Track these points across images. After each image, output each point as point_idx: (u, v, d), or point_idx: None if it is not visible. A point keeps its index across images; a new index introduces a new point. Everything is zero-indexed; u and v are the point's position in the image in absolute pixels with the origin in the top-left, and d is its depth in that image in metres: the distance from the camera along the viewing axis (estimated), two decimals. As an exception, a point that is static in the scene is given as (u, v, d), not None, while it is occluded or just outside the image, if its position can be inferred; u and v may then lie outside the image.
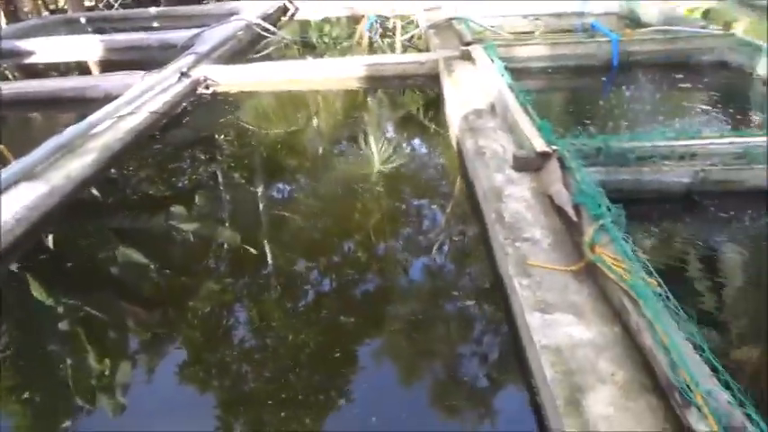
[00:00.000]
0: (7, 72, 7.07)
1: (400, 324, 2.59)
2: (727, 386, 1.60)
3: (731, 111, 4.38)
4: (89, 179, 3.76)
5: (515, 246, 2.49)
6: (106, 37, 7.27)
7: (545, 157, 3.06)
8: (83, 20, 9.07)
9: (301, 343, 2.53)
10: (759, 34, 6.29)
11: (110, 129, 4.25)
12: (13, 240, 3.06)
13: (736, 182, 3.02)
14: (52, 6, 12.02)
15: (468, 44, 5.45)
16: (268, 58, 6.75)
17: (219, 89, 5.47)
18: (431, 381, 2.33)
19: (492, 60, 4.74)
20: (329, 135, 4.80)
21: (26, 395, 2.35)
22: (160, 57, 6.24)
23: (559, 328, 2.01)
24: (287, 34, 8.03)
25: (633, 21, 6.85)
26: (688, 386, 1.61)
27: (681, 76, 5.06)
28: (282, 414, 2.17)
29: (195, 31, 6.95)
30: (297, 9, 9.18)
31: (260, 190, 3.94)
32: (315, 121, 5.08)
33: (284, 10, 9.04)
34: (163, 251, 3.36)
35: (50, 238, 3.41)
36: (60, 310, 2.88)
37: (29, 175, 3.48)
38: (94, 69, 7.00)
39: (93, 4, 11.93)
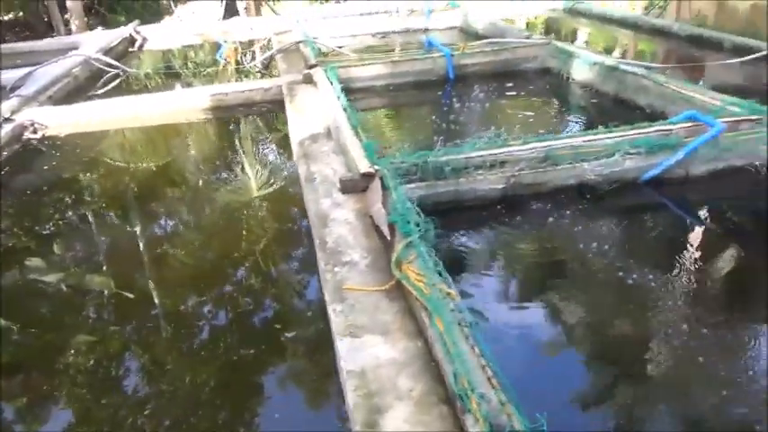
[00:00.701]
0: None
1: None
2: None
3: (551, 112, 4.78)
4: None
5: (334, 271, 2.53)
6: None
7: (369, 177, 3.16)
8: None
9: (200, 381, 2.44)
10: (601, 41, 6.93)
11: None
12: None
13: (542, 183, 3.29)
14: None
15: (311, 67, 5.51)
16: (112, 94, 6.42)
17: (51, 133, 5.11)
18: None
19: (331, 83, 4.83)
20: (181, 170, 4.65)
21: None
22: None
23: (366, 351, 2.06)
24: (147, 65, 7.70)
25: (471, 34, 7.29)
26: (468, 393, 1.71)
27: (510, 83, 5.44)
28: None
29: (27, 69, 6.46)
30: (145, 39, 8.83)
31: (129, 230, 3.77)
32: (166, 156, 4.90)
33: (131, 41, 8.67)
34: (25, 309, 3.07)
35: None
36: None
37: None
38: None
39: None
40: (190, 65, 8.02)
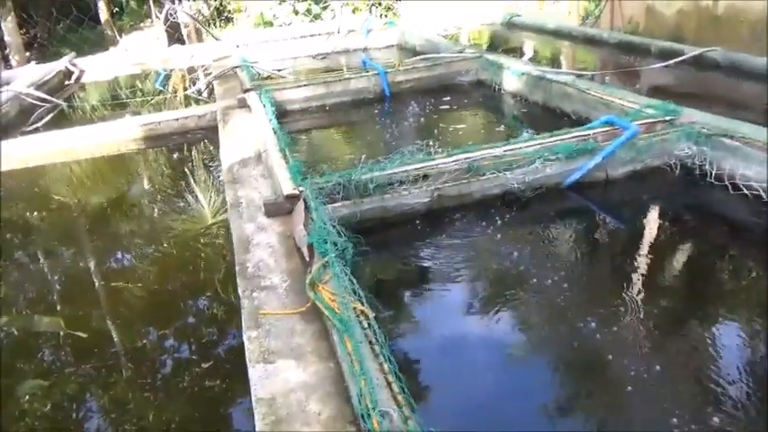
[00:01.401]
0: None
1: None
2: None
3: (484, 123, 4.87)
4: None
5: (252, 296, 2.49)
6: None
7: (294, 199, 3.13)
8: None
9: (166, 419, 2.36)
10: (539, 52, 7.08)
11: None
12: None
13: (467, 194, 3.32)
14: None
15: (246, 91, 5.48)
16: (50, 128, 6.24)
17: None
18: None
19: (264, 106, 4.81)
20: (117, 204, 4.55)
21: None
22: None
23: (279, 376, 2.02)
24: (93, 97, 7.52)
25: (409, 50, 7.40)
26: (369, 412, 1.69)
27: (445, 97, 5.52)
28: None
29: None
30: (82, 71, 8.66)
31: (80, 267, 3.65)
32: (108, 189, 4.79)
33: (67, 74, 8.48)
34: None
35: None
36: None
37: None
38: None
39: None
40: (138, 94, 7.91)
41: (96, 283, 3.48)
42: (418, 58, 6.06)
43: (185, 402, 2.49)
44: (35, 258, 3.83)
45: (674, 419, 1.97)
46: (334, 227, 2.72)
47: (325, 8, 11.46)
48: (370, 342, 2.02)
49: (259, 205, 3.31)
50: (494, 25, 9.57)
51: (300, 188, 3.15)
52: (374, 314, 2.23)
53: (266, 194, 3.41)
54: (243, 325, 2.33)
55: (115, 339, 2.97)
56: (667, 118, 3.62)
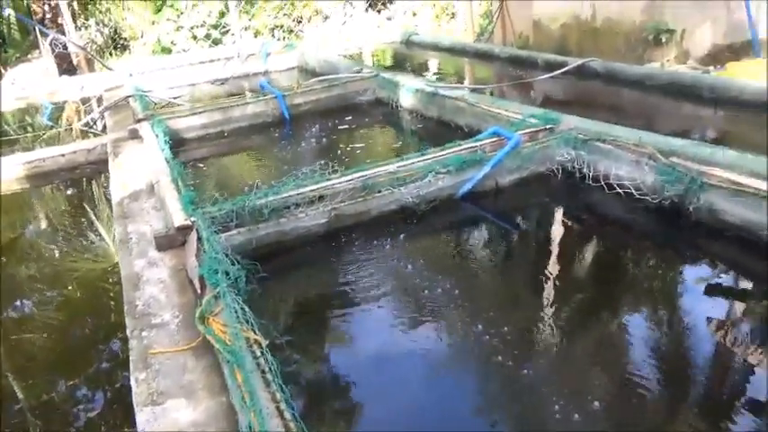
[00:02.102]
0: None
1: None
2: None
3: (383, 140, 4.95)
4: None
5: (142, 336, 2.37)
6: None
7: (186, 230, 3.04)
8: None
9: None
10: (436, 68, 7.27)
11: None
12: None
13: (364, 212, 3.36)
14: None
15: (138, 121, 5.28)
16: None
17: None
18: None
19: (157, 136, 4.65)
20: None
21: None
22: None
23: (167, 417, 1.94)
24: None
25: (309, 72, 7.43)
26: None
27: (344, 117, 5.58)
28: None
29: None
30: (-39, 108, 8.04)
31: None
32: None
33: (-59, 112, 7.84)
34: None
35: None
36: None
37: None
38: None
39: None
40: (28, 129, 7.41)
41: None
42: (316, 79, 6.09)
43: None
44: None
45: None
46: (227, 255, 2.66)
47: (225, 33, 11.32)
48: (263, 371, 1.99)
49: (150, 239, 3.18)
50: (394, 44, 9.81)
51: (192, 218, 3.06)
52: (268, 342, 2.20)
53: (157, 227, 3.29)
54: (131, 367, 2.22)
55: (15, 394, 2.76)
56: (548, 126, 3.84)
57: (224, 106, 5.48)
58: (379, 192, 3.38)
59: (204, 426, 1.89)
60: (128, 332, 2.45)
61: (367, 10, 12.63)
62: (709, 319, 2.50)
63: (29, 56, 12.36)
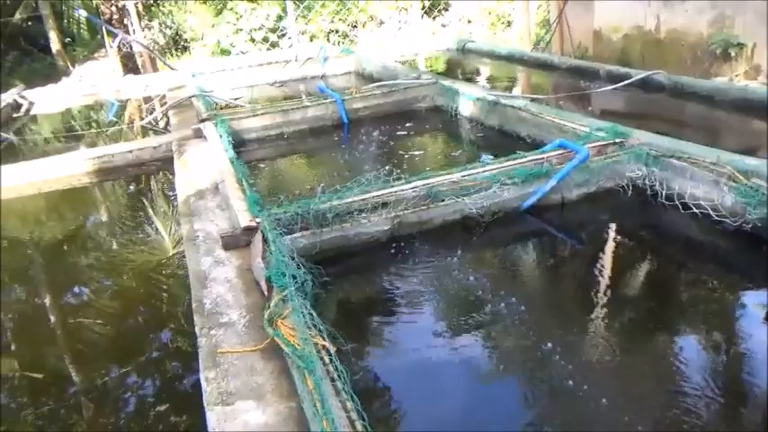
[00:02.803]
0: None
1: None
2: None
3: (443, 148, 4.92)
4: None
5: (210, 335, 2.41)
6: None
7: (251, 231, 3.08)
8: None
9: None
10: (493, 77, 7.21)
11: None
12: None
13: (427, 220, 3.33)
14: None
15: (202, 121, 5.41)
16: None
17: None
18: None
19: (220, 136, 4.75)
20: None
21: None
22: None
23: (238, 419, 1.95)
24: (45, 129, 7.27)
25: (366, 77, 7.46)
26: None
27: (402, 123, 5.57)
28: None
29: None
30: (32, 103, 8.42)
31: (37, 305, 3.51)
32: (69, 223, 4.62)
33: (15, 106, 8.23)
34: None
35: None
36: None
37: None
38: None
39: None
40: (92, 125, 7.72)
41: (53, 321, 3.33)
42: (375, 84, 6.11)
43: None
44: (7, 298, 3.65)
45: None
46: (293, 258, 2.68)
47: (282, 36, 11.51)
48: (332, 379, 1.98)
49: (216, 238, 3.24)
50: (448, 51, 9.76)
51: (258, 220, 3.10)
52: (335, 349, 2.19)
53: (223, 227, 3.34)
54: (200, 365, 2.25)
55: (73, 379, 2.85)
56: (617, 140, 3.73)
57: (285, 108, 5.55)
58: (443, 201, 3.34)
59: (275, 429, 1.89)
60: (196, 329, 2.48)
61: (422, 16, 12.61)
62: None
63: (95, 54, 12.86)
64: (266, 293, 2.53)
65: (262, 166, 4.99)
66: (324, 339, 2.18)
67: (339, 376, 1.97)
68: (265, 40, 11.53)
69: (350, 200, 3.23)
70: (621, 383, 2.29)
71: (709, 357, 2.41)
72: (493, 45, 9.78)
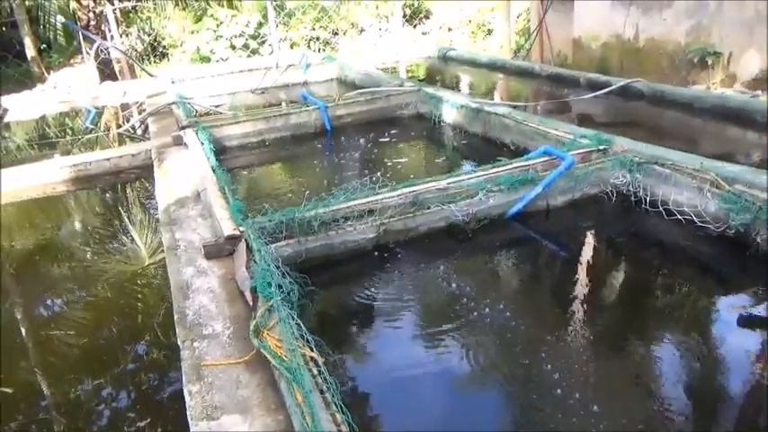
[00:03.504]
0: None
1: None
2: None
3: (426, 155, 4.90)
4: None
5: (193, 347, 2.34)
6: None
7: (234, 240, 3.02)
8: None
9: None
10: (474, 84, 7.22)
11: None
12: None
13: (413, 228, 3.30)
14: None
15: (182, 128, 5.32)
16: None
17: None
18: None
19: (201, 143, 4.68)
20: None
21: None
22: None
23: (223, 434, 1.90)
24: (18, 136, 7.09)
25: (348, 84, 7.43)
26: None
27: (386, 130, 5.55)
28: None
29: None
30: (5, 110, 8.23)
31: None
32: (40, 233, 4.47)
33: (-11, 113, 8.04)
34: None
35: None
36: None
37: None
38: None
39: None
40: (68, 133, 7.55)
41: (24, 334, 3.22)
42: (358, 91, 6.09)
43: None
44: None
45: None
46: (278, 268, 2.63)
47: (262, 44, 11.45)
48: (321, 391, 1.93)
49: (198, 247, 3.17)
50: (429, 59, 9.79)
51: (241, 228, 3.04)
52: (323, 359, 2.14)
53: (205, 236, 3.27)
54: (183, 379, 2.18)
55: (45, 393, 2.75)
56: (601, 147, 3.75)
57: (267, 116, 5.50)
58: (429, 208, 3.32)
59: (262, 445, 1.84)
60: (179, 341, 2.41)
61: (403, 24, 12.66)
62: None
63: (72, 61, 12.64)
64: (251, 304, 2.47)
65: (243, 173, 4.93)
66: (312, 350, 2.13)
67: (328, 388, 1.92)
68: (246, 47, 11.46)
69: (335, 207, 3.19)
70: (606, 389, 2.28)
71: (687, 362, 2.41)
72: (474, 53, 9.84)
